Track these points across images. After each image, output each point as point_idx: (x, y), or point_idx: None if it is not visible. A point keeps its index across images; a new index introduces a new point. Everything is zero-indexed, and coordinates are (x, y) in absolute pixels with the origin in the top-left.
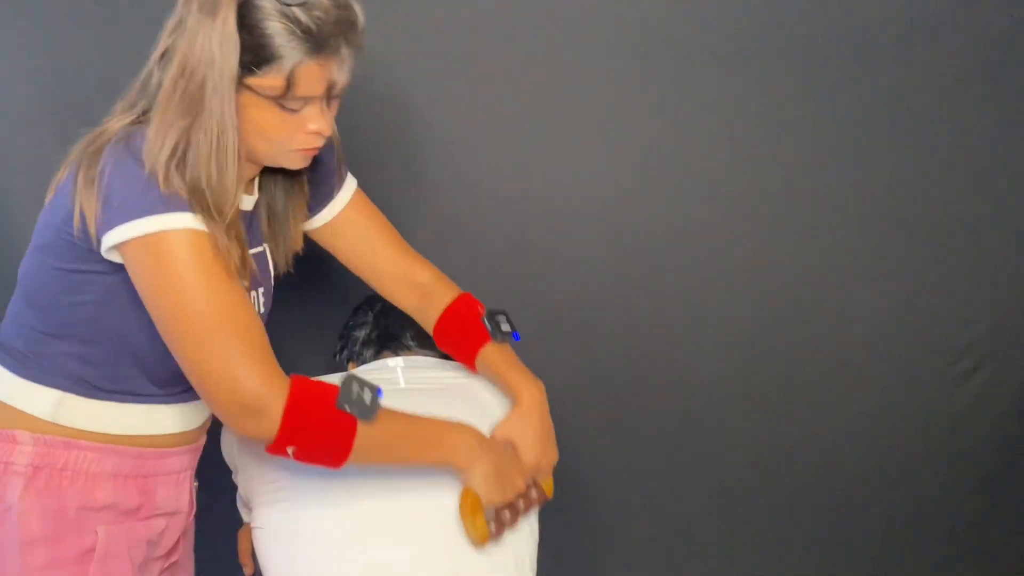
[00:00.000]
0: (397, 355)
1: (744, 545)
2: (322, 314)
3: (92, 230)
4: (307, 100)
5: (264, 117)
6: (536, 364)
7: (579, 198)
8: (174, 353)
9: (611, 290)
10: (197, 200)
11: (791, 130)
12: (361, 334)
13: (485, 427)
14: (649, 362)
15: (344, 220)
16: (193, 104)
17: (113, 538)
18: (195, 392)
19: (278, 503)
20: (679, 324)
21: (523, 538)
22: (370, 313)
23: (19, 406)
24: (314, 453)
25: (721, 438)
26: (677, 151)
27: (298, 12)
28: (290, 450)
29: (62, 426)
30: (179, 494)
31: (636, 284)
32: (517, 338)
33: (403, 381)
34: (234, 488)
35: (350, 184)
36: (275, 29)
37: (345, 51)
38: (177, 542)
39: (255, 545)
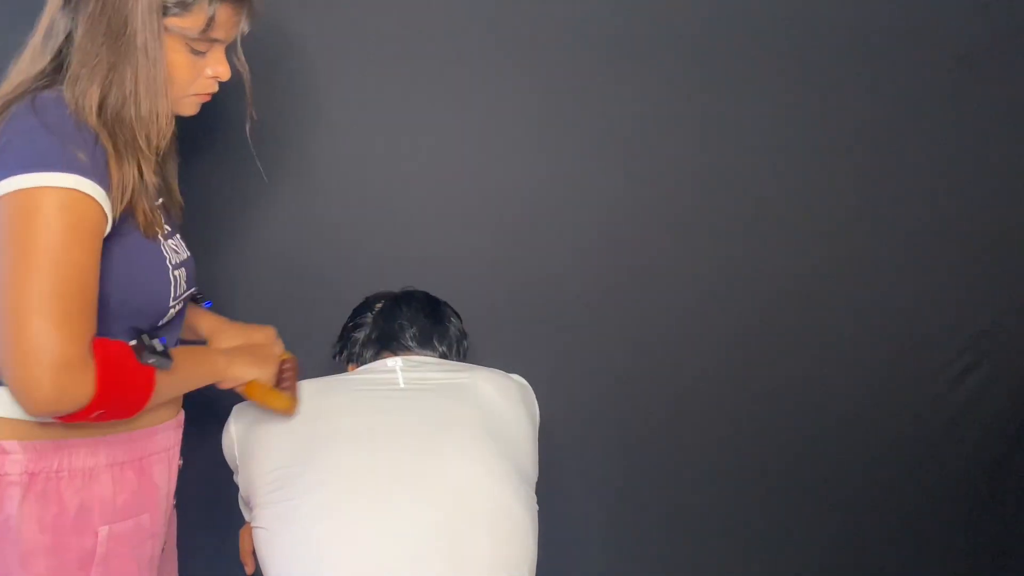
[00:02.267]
0: (396, 355)
1: (742, 544)
2: (322, 314)
3: None
4: (214, 44)
5: (174, 58)
6: (533, 365)
7: (574, 199)
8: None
9: (606, 291)
10: (122, 135)
11: (789, 130)
12: (361, 335)
13: (486, 426)
14: (647, 361)
15: None
16: (117, 41)
17: (116, 537)
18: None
19: (279, 503)
20: (678, 323)
21: (523, 538)
22: (369, 314)
23: (3, 414)
24: (117, 413)
25: (718, 437)
26: (673, 152)
27: None
28: (95, 415)
29: (50, 427)
30: (171, 472)
31: (632, 285)
32: (209, 305)
33: (402, 381)
34: (235, 488)
35: None
36: None
37: (256, 1)
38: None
39: (256, 544)
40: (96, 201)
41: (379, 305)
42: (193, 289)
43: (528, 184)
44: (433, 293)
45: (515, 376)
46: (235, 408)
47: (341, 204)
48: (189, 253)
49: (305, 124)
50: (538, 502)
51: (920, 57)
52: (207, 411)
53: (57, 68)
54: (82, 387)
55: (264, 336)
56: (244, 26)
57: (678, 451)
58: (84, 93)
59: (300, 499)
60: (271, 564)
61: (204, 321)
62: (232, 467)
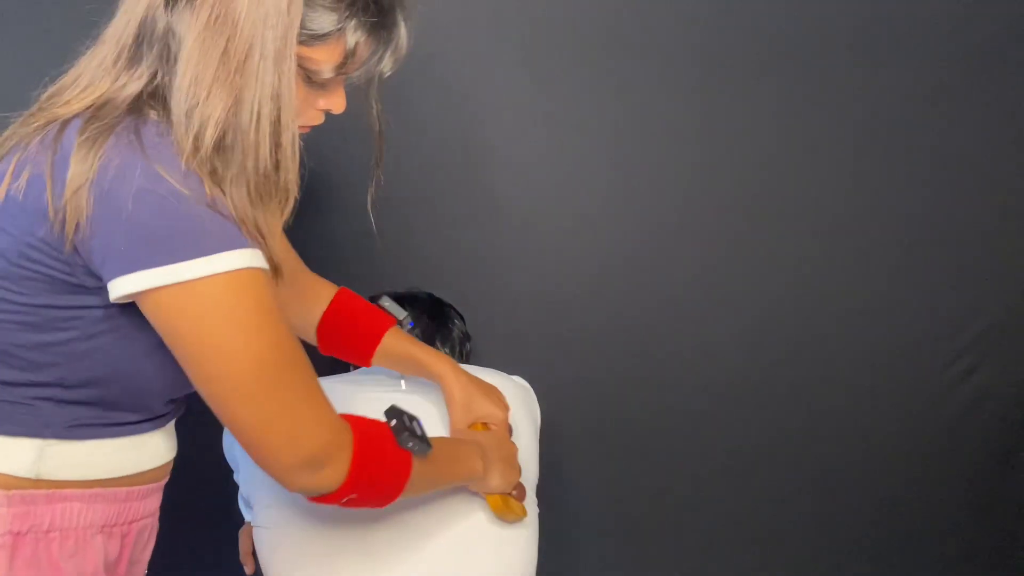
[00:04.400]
0: None
1: (741, 545)
2: None
3: (90, 262)
4: (338, 77)
5: None
6: (535, 367)
7: (575, 200)
8: (221, 414)
9: (608, 293)
10: (241, 189)
11: (788, 130)
12: None
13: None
14: (648, 363)
15: None
16: (237, 73)
17: None
18: (176, 409)
19: (279, 503)
20: (678, 324)
21: (523, 541)
22: None
23: None
24: (369, 499)
25: (718, 438)
26: (673, 151)
27: None
28: (346, 499)
29: (44, 480)
30: (148, 540)
31: (633, 286)
32: (412, 325)
33: (404, 383)
34: (235, 487)
35: None
36: None
37: (403, 28)
38: None
39: (256, 544)
40: (261, 271)
41: (383, 306)
42: (404, 316)
43: (530, 184)
44: (437, 294)
45: (516, 378)
46: None
47: (344, 203)
48: None
49: None
50: (539, 504)
51: (921, 55)
52: (206, 409)
53: (153, 90)
54: (337, 472)
55: (504, 415)
56: (386, 64)
57: (679, 453)
58: (201, 133)
59: (302, 500)
60: (271, 565)
61: (433, 361)
62: (232, 466)
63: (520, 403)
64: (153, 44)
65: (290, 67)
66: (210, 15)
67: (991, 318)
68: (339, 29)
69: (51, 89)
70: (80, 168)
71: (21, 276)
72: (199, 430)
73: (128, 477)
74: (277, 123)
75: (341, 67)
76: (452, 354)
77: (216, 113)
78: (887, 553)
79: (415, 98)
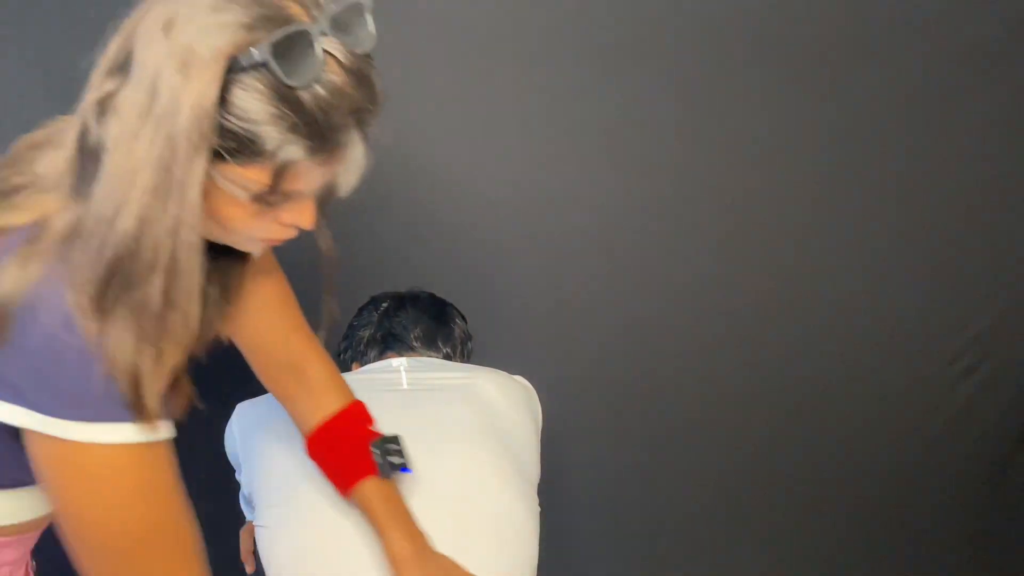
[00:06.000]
0: (401, 356)
1: (743, 545)
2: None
3: None
4: (292, 196)
5: (229, 211)
6: (536, 366)
7: (578, 200)
8: (77, 564)
9: (610, 293)
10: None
11: (789, 129)
12: (365, 334)
13: (489, 427)
14: (649, 363)
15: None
16: (144, 196)
17: None
18: None
19: (283, 503)
20: (679, 325)
21: (525, 540)
22: (375, 313)
23: None
24: None
25: (719, 438)
26: (674, 151)
27: (302, 95)
28: None
29: None
30: None
31: (635, 287)
32: (406, 471)
33: (406, 382)
34: (237, 486)
35: None
36: (265, 114)
37: (358, 146)
38: None
39: (257, 543)
40: (146, 444)
41: (384, 305)
42: (387, 470)
43: (532, 185)
44: (439, 294)
45: (518, 378)
46: (238, 407)
47: (347, 202)
48: None
49: None
50: (540, 503)
51: (922, 54)
52: (209, 405)
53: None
54: None
55: None
56: (344, 180)
57: (679, 453)
58: (94, 287)
59: (304, 499)
60: (273, 564)
61: (394, 540)
62: (234, 465)
63: (522, 404)
64: (87, 158)
65: (193, 197)
66: (120, 132)
67: (992, 316)
68: (264, 152)
69: (26, 140)
70: (14, 280)
71: None
72: (201, 428)
73: (24, 524)
74: (174, 260)
75: (273, 187)
76: (453, 354)
77: (117, 241)
78: (887, 551)
79: (415, 95)
